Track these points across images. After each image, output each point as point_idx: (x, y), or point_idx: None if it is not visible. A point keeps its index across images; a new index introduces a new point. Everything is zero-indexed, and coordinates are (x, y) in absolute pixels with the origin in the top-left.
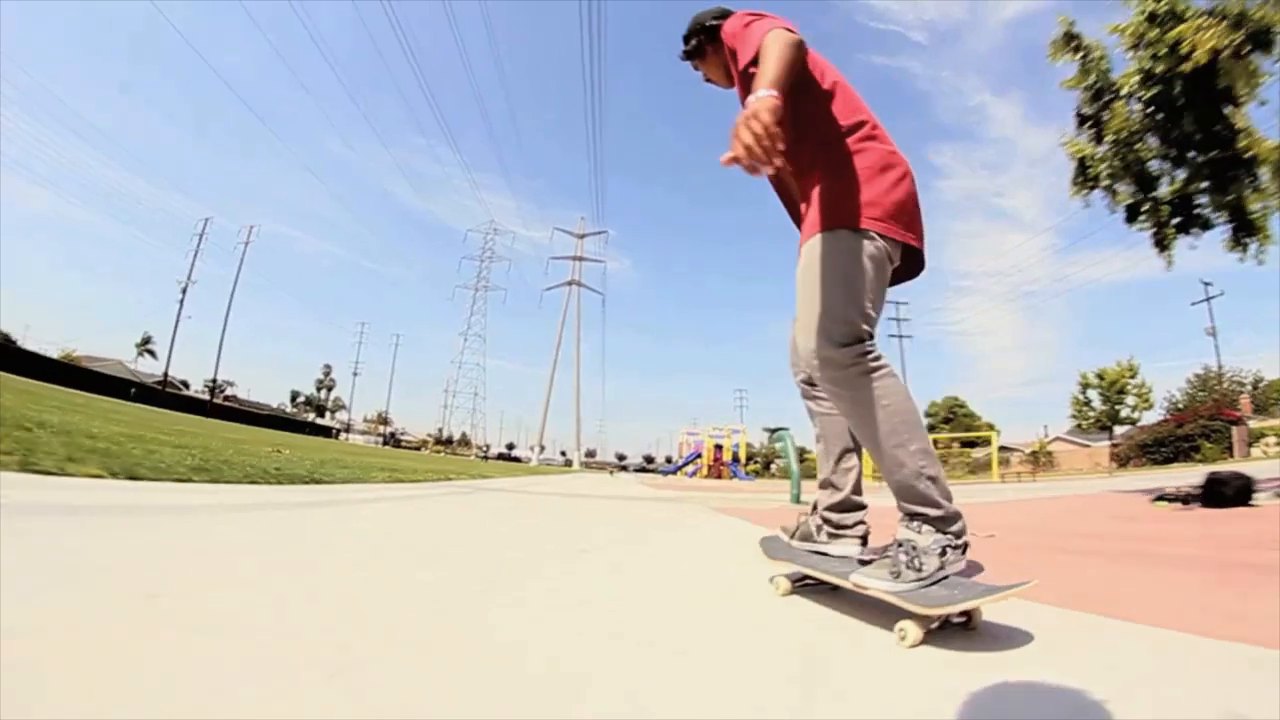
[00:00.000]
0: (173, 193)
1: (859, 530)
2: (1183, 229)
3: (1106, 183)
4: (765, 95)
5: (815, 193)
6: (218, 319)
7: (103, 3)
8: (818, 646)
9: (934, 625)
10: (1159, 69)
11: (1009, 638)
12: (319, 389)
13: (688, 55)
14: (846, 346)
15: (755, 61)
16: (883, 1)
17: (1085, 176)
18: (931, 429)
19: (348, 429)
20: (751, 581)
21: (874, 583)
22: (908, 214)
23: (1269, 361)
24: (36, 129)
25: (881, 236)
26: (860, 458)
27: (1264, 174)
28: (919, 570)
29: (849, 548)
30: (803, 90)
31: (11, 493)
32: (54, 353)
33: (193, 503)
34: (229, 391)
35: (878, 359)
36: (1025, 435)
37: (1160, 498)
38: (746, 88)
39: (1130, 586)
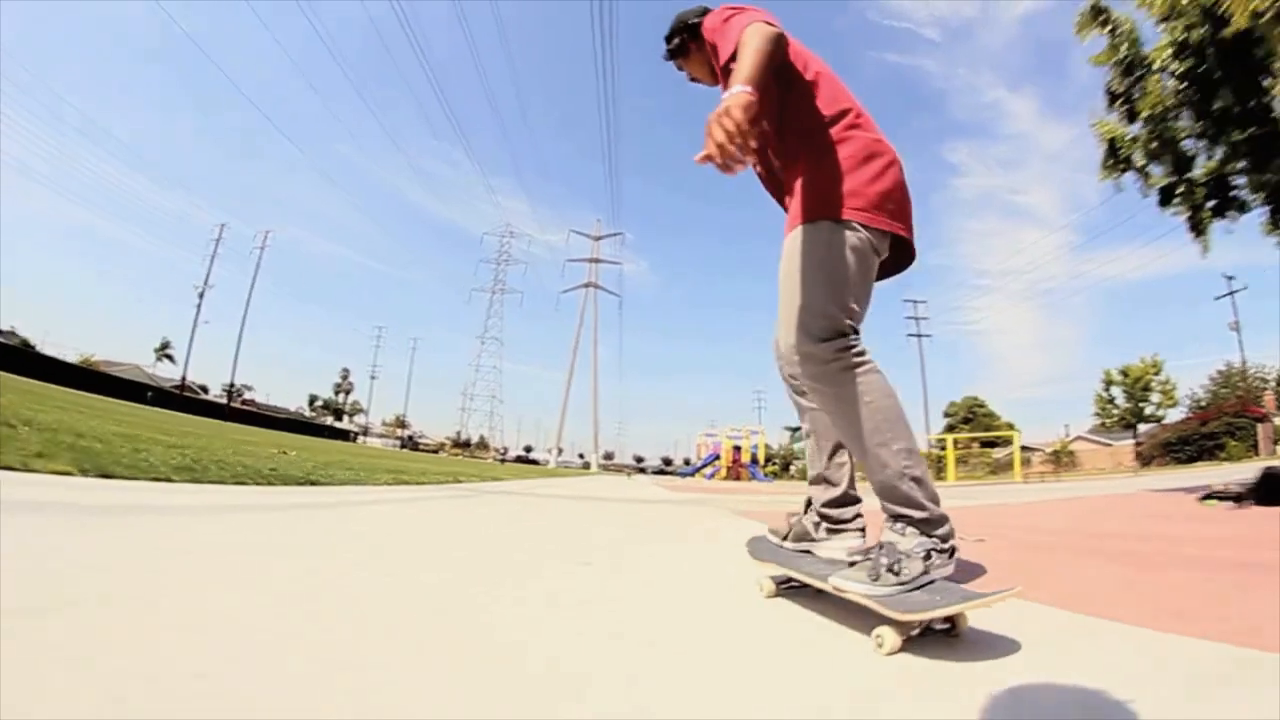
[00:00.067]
0: (189, 199)
1: (858, 524)
2: (1218, 212)
3: (1142, 163)
4: (739, 91)
5: (798, 185)
6: (236, 324)
7: (117, 13)
8: (788, 651)
9: (914, 632)
10: (1193, 38)
11: (993, 647)
12: (337, 393)
13: (672, 54)
14: (827, 341)
15: (735, 56)
16: None
17: (1116, 159)
18: (951, 429)
19: (366, 432)
20: (743, 585)
21: (852, 586)
22: (894, 203)
23: None
24: (58, 139)
25: (865, 227)
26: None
27: None
28: (899, 574)
29: (848, 540)
30: (784, 82)
31: None
32: (72, 357)
33: (157, 503)
34: (247, 396)
35: (860, 354)
36: (1045, 435)
37: (1209, 496)
38: (729, 83)
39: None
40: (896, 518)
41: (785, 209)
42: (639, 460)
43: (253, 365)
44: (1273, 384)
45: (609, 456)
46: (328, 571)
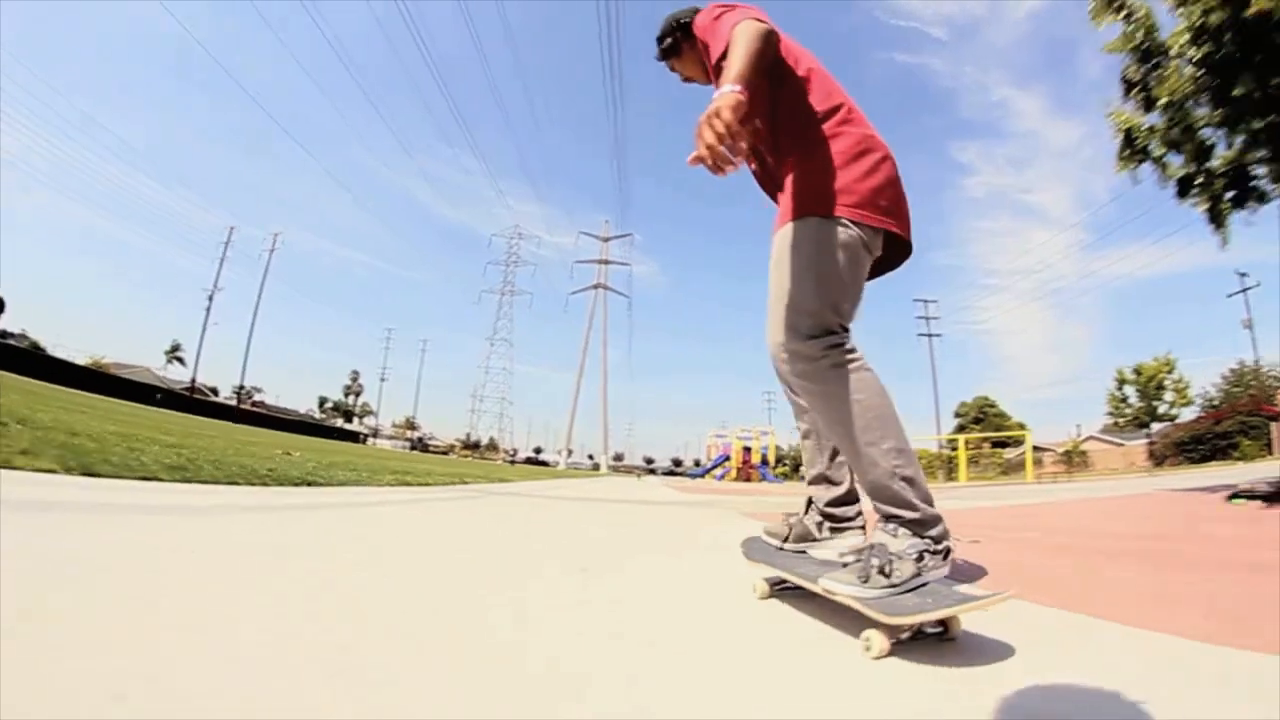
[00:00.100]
0: (199, 202)
1: (860, 522)
2: (1238, 203)
3: (1161, 151)
4: (728, 91)
5: (789, 180)
6: (246, 326)
7: (127, 17)
8: (772, 655)
9: (904, 635)
10: (1212, 22)
11: (987, 651)
12: (347, 394)
13: (664, 55)
14: (814, 339)
15: (726, 54)
16: None
17: (1133, 149)
18: (961, 429)
19: (375, 434)
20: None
21: (841, 588)
22: (886, 199)
23: None
24: (69, 145)
25: (857, 224)
26: None
27: None
28: (890, 576)
29: (850, 540)
30: (776, 79)
31: None
32: (81, 360)
33: (146, 502)
34: (257, 398)
35: (850, 351)
36: (1056, 435)
37: (1236, 495)
38: (720, 82)
39: None
40: (888, 518)
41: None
42: (649, 461)
43: (263, 367)
44: None
45: (619, 458)
46: (327, 572)
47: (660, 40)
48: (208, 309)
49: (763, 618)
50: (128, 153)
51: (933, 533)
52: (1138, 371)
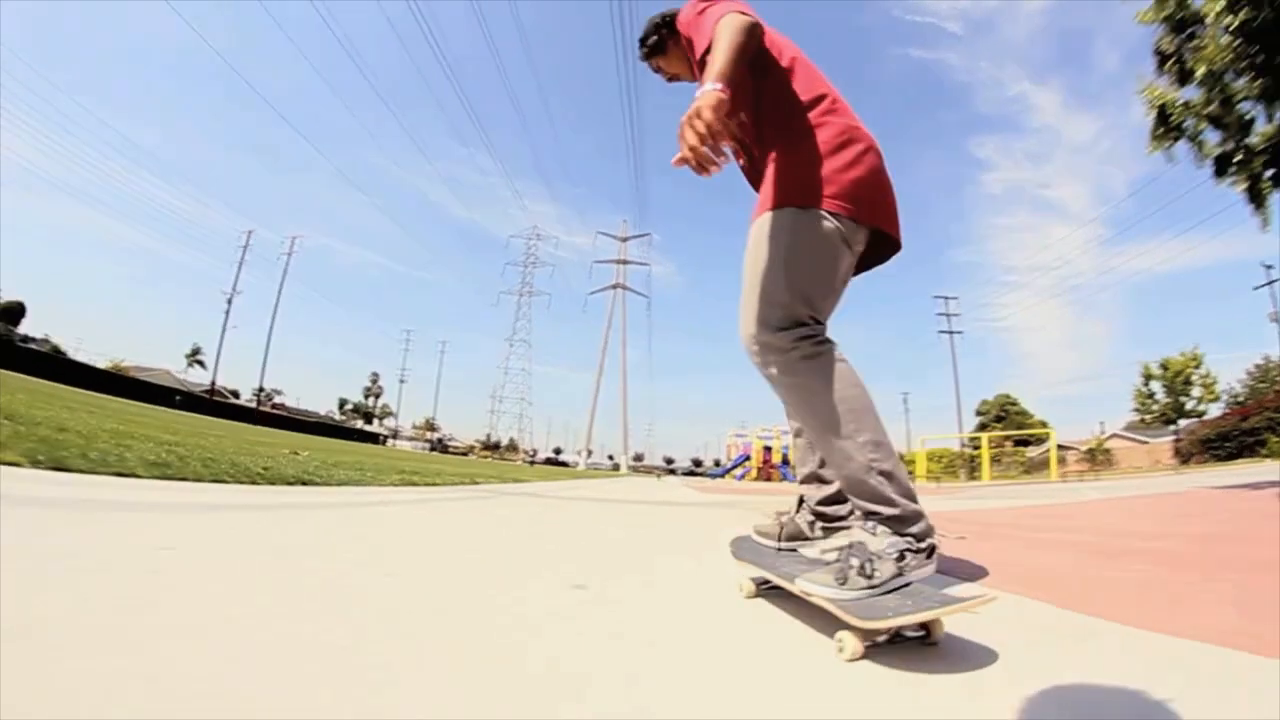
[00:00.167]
0: (216, 206)
1: (853, 521)
2: (1279, 181)
3: (1200, 126)
4: (709, 90)
5: (770, 170)
6: (265, 329)
7: (144, 27)
8: (752, 657)
9: (882, 638)
10: None
11: (969, 656)
12: (367, 396)
13: (650, 53)
14: (784, 331)
15: (711, 50)
16: None
17: (1167, 127)
18: (983, 427)
19: (395, 435)
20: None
21: (816, 589)
22: (868, 191)
23: None
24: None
25: (835, 215)
26: None
27: None
28: (870, 576)
29: (839, 539)
30: (760, 71)
31: None
32: (102, 363)
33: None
34: (277, 399)
35: (822, 343)
36: (1079, 432)
37: None
38: (703, 79)
39: None
40: (866, 515)
41: None
42: (669, 461)
43: (283, 369)
44: None
45: (639, 458)
46: (327, 572)
47: (644, 40)
48: (227, 312)
49: (748, 618)
50: (152, 161)
51: (914, 530)
52: (1164, 367)
